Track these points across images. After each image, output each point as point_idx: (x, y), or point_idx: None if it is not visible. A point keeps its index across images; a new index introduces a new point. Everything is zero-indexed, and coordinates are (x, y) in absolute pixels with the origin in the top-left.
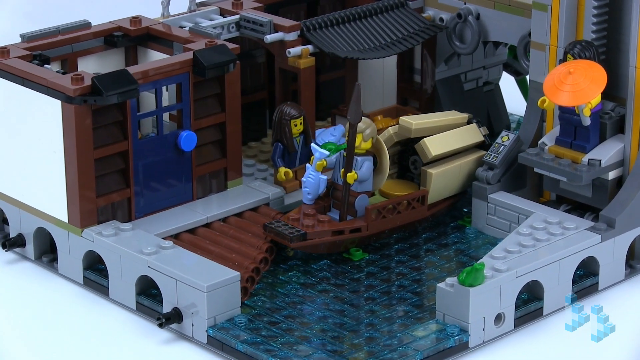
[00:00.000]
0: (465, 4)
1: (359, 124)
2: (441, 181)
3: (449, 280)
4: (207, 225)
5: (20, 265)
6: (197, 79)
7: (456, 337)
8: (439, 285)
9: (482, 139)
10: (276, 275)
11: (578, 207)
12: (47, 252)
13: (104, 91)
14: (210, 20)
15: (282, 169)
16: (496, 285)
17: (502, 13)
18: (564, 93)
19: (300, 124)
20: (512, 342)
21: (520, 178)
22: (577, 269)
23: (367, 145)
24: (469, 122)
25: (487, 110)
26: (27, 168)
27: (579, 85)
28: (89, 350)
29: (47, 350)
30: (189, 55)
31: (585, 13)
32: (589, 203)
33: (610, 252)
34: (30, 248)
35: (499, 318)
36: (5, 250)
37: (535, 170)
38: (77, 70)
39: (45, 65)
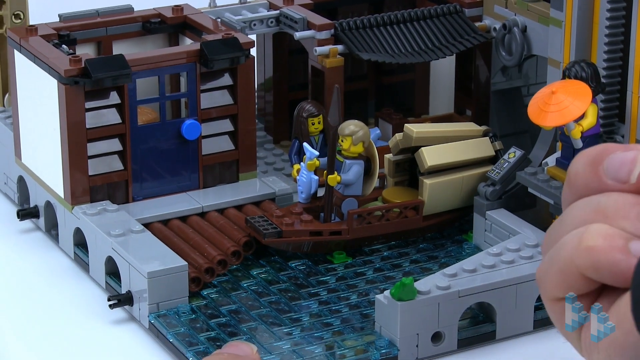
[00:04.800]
0: (515, 14)
1: (351, 127)
2: (438, 192)
3: (387, 292)
4: (202, 214)
5: (32, 235)
6: (204, 69)
7: (383, 351)
8: (377, 296)
9: (493, 153)
10: (249, 269)
11: None
12: (57, 225)
13: (92, 74)
14: (255, 13)
15: (296, 166)
16: (433, 302)
17: (544, 27)
18: (550, 114)
19: (319, 123)
20: None
21: (530, 197)
22: None
23: (357, 148)
24: (485, 136)
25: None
26: (39, 143)
27: (563, 104)
28: (42, 322)
29: (12, 317)
30: (196, 46)
31: (599, 32)
32: None
33: None
34: (43, 220)
35: (437, 336)
36: (20, 220)
37: (529, 190)
38: (112, 53)
39: (63, 46)
